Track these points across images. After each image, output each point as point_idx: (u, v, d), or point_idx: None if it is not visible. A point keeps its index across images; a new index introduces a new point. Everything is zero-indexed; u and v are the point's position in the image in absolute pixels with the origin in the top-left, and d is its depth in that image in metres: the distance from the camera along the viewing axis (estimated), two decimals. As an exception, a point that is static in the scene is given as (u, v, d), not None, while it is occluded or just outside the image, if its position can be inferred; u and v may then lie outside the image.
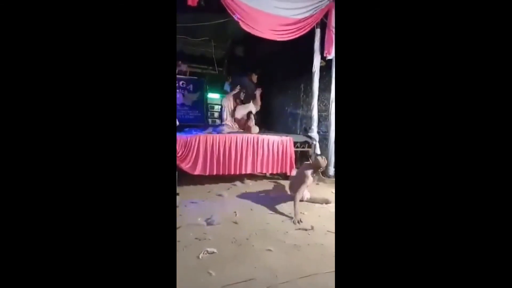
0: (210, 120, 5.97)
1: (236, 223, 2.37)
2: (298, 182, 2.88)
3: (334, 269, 1.59)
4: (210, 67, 6.52)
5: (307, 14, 3.71)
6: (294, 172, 3.47)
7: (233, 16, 3.32)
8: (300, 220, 2.41)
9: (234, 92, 4.25)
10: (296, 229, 2.27)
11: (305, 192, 3.03)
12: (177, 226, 2.18)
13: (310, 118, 4.31)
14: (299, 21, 3.69)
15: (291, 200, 3.03)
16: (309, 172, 2.88)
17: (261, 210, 2.74)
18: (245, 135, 3.70)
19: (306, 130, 4.47)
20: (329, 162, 4.11)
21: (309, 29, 3.80)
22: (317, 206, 2.83)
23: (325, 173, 4.06)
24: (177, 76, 4.25)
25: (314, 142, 4.16)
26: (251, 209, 2.75)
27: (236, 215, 2.54)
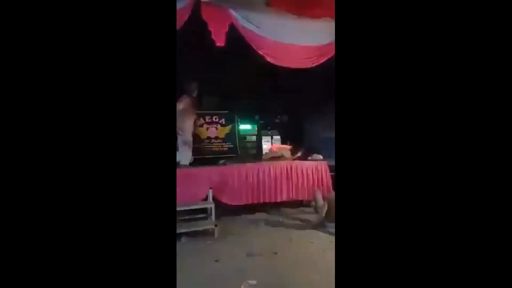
0: (243, 151, 6.07)
1: (276, 253, 2.31)
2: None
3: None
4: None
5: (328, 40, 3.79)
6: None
7: (258, 51, 3.51)
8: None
9: None
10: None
11: None
12: (216, 259, 2.19)
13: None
14: (321, 47, 3.78)
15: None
16: None
17: (301, 239, 2.65)
18: (278, 163, 3.71)
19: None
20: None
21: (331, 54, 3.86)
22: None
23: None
24: (209, 111, 4.71)
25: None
26: (291, 239, 2.67)
27: (276, 245, 2.48)
